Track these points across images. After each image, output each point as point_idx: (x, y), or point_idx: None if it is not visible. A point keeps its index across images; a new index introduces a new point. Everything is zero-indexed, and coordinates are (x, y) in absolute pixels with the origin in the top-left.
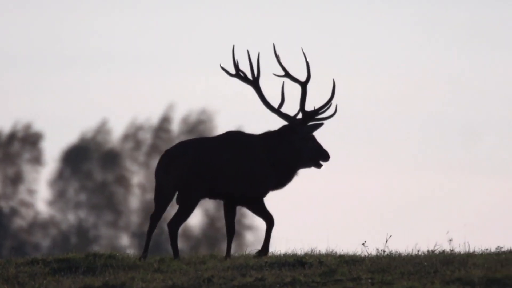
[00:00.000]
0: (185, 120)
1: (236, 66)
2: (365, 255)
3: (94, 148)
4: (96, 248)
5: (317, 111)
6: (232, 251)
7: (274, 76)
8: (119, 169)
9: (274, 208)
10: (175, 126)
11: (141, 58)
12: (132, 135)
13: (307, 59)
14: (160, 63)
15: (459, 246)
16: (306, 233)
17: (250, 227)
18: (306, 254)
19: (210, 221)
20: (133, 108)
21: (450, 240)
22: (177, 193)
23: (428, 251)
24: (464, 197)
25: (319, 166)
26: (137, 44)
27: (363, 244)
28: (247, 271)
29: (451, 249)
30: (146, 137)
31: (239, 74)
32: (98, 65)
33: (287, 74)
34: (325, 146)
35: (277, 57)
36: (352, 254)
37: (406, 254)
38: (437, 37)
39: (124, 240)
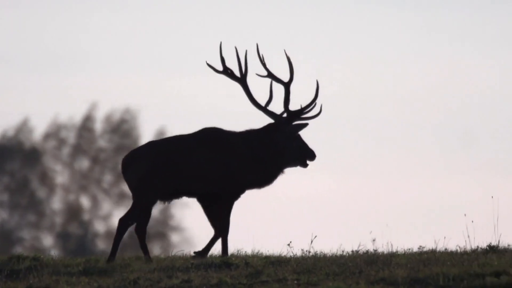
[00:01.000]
0: (108, 119)
1: (223, 63)
2: (290, 256)
3: (16, 147)
4: (19, 250)
5: (302, 111)
6: (158, 252)
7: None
8: (41, 168)
9: (200, 209)
10: (98, 125)
11: (63, 56)
12: (55, 134)
13: (290, 60)
14: (82, 61)
15: (383, 246)
16: (232, 234)
17: (176, 228)
18: (232, 255)
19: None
20: (55, 107)
21: (374, 240)
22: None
23: (352, 251)
24: (386, 197)
25: (305, 165)
26: (59, 41)
27: (288, 244)
28: (173, 273)
29: (375, 249)
30: (69, 136)
31: (226, 71)
32: (18, 62)
33: (270, 75)
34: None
35: (261, 58)
36: (278, 255)
37: (331, 255)
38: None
39: (48, 242)
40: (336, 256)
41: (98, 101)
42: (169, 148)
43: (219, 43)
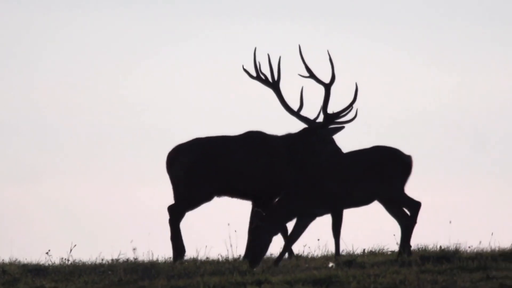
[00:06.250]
0: None
1: (256, 69)
2: (49, 264)
3: None
4: None
5: (337, 114)
6: None
7: (294, 79)
8: None
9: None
10: None
11: None
12: None
13: (332, 61)
14: None
15: (143, 254)
16: None
17: None
18: None
19: None
20: None
21: (134, 249)
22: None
23: (112, 259)
24: (148, 205)
25: None
26: None
27: (47, 253)
28: None
29: (135, 257)
30: None
31: (260, 77)
32: None
33: (312, 75)
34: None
35: (303, 58)
36: (36, 263)
37: (90, 263)
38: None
39: None
40: (95, 264)
41: None
42: (214, 145)
43: (254, 49)
